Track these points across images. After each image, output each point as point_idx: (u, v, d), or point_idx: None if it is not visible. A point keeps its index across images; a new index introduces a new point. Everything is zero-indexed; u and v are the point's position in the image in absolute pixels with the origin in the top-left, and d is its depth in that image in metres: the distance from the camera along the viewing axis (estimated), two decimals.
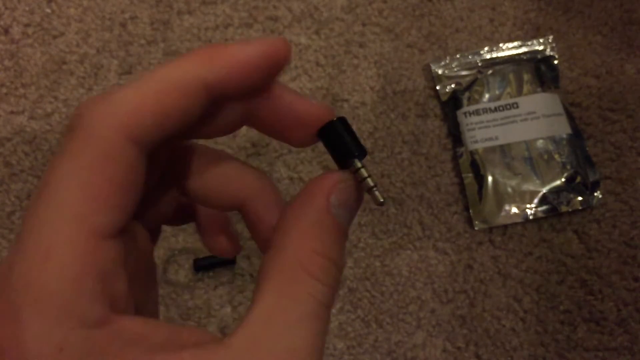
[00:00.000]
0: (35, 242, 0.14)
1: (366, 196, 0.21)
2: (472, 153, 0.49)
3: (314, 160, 0.50)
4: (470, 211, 0.48)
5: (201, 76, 0.16)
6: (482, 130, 0.50)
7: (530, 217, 0.47)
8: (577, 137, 0.49)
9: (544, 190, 0.48)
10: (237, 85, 0.17)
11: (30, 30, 0.55)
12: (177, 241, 0.48)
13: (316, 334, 0.17)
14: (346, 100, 0.52)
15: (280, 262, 0.17)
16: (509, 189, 0.48)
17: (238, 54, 0.17)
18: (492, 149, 0.49)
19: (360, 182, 0.20)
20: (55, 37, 0.54)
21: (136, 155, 0.15)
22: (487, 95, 0.51)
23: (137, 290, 0.19)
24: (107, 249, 0.15)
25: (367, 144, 0.51)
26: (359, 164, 0.20)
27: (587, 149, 0.50)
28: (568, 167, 0.48)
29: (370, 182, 0.20)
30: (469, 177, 0.49)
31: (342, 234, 0.19)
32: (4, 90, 0.53)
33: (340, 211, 0.19)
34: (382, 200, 0.20)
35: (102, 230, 0.15)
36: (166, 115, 0.16)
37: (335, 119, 0.19)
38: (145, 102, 0.15)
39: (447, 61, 0.53)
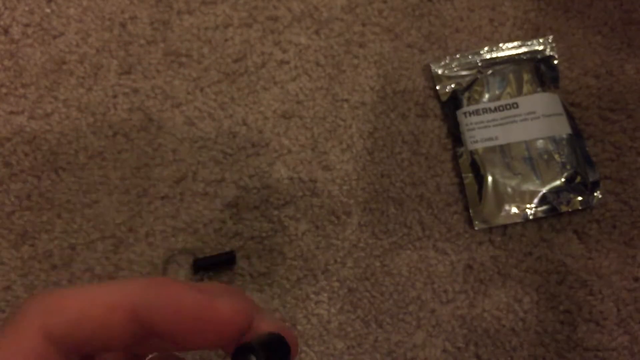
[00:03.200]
0: None
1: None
2: (472, 153, 0.49)
3: (314, 160, 0.50)
4: (470, 211, 0.48)
5: (128, 309, 0.15)
6: (482, 130, 0.50)
7: (530, 217, 0.47)
8: (577, 137, 0.49)
9: (544, 190, 0.48)
10: (174, 332, 0.15)
11: (30, 30, 0.55)
12: (177, 241, 0.48)
13: None
14: (346, 100, 0.52)
15: None
16: (509, 189, 0.48)
17: (173, 312, 0.15)
18: (492, 149, 0.49)
19: None
20: (55, 37, 0.54)
21: (53, 355, 0.15)
22: (487, 95, 0.51)
23: None
24: None
25: (367, 143, 0.51)
26: None
27: (587, 149, 0.50)
28: (568, 167, 0.48)
29: None
30: (469, 177, 0.49)
31: None
32: (4, 90, 0.53)
33: None
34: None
35: None
36: (85, 330, 0.15)
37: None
38: (69, 313, 0.15)
39: (447, 61, 0.53)
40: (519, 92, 0.51)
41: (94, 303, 0.15)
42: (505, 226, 0.48)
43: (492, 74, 0.52)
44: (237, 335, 0.16)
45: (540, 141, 0.49)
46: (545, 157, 0.48)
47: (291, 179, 0.50)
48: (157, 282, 0.15)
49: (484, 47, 0.53)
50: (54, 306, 0.15)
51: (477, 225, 0.48)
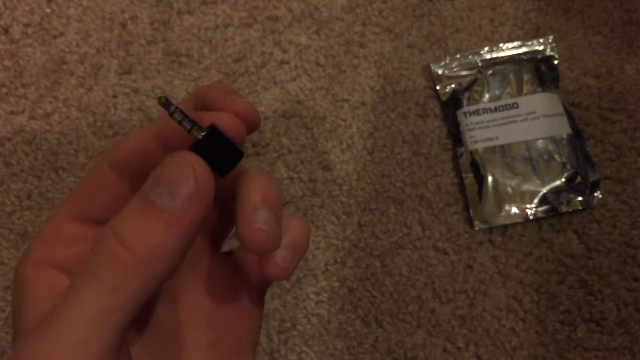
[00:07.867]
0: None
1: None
2: (472, 153, 0.49)
3: (314, 160, 0.50)
4: (470, 211, 0.48)
5: (156, 135, 0.22)
6: (482, 130, 0.50)
7: (530, 217, 0.47)
8: (577, 137, 0.49)
9: (544, 190, 0.48)
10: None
11: (30, 30, 0.55)
12: None
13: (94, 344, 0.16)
14: (346, 100, 0.52)
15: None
16: (509, 189, 0.48)
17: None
18: (492, 149, 0.49)
19: (187, 129, 0.19)
20: (55, 37, 0.54)
21: (111, 175, 0.22)
22: (487, 95, 0.51)
23: None
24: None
25: (367, 143, 0.51)
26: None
27: (587, 149, 0.50)
28: (568, 167, 0.48)
29: (186, 123, 0.19)
30: (469, 177, 0.49)
31: (156, 216, 0.17)
32: (4, 90, 0.53)
33: (159, 190, 0.17)
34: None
35: None
36: (134, 156, 0.22)
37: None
38: (123, 149, 0.23)
39: (447, 61, 0.53)
40: (519, 92, 0.51)
41: (138, 140, 0.21)
42: (505, 226, 0.48)
43: (492, 74, 0.52)
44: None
45: (541, 141, 0.49)
46: (546, 157, 0.48)
47: (291, 179, 0.50)
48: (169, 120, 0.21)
49: (484, 47, 0.53)
50: (115, 147, 0.22)
51: (477, 225, 0.48)
